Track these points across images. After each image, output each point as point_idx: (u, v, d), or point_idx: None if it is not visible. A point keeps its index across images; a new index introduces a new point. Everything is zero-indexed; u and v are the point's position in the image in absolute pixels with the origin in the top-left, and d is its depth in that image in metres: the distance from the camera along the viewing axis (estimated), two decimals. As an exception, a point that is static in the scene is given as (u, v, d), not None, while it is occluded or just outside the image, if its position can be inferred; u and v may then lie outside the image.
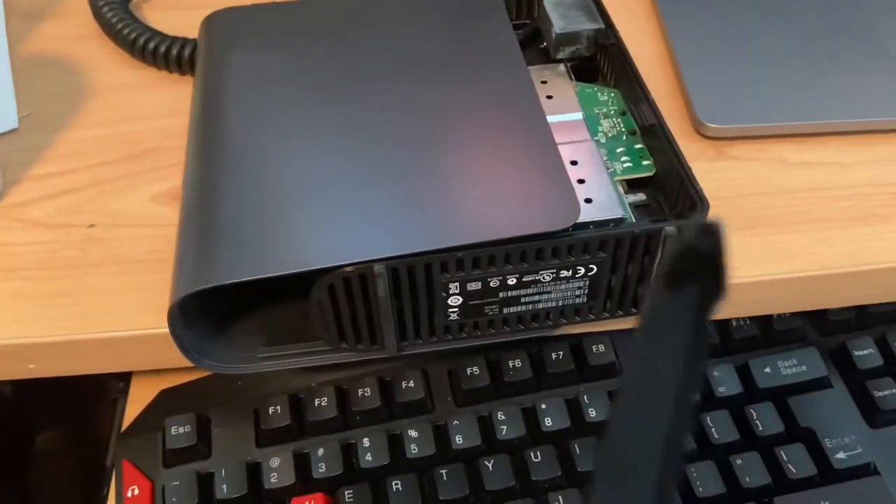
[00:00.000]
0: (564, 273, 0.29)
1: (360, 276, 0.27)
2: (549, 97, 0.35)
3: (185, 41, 0.42)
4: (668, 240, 0.28)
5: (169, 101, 0.41)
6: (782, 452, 0.34)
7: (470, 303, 0.29)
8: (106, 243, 0.35)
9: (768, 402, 0.36)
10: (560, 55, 0.37)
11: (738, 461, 0.34)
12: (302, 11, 0.37)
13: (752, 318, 0.38)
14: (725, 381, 0.36)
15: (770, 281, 0.33)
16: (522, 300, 0.29)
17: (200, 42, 0.38)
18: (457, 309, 0.29)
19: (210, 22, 0.38)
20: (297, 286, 0.28)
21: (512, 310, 0.30)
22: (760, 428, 0.35)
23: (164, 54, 0.42)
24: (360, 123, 0.31)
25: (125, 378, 0.43)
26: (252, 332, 0.31)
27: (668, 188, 0.32)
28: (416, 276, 0.27)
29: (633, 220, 0.31)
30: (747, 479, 0.34)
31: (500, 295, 0.29)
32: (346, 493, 0.34)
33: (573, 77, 0.37)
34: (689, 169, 0.30)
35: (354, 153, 0.30)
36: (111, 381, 0.45)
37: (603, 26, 0.37)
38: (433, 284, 0.28)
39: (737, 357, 0.37)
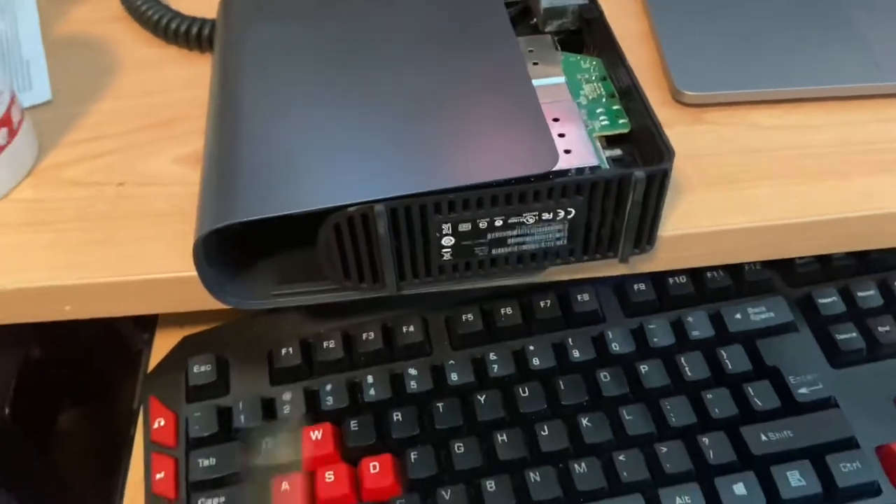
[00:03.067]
0: (546, 216, 0.32)
1: (362, 215, 0.30)
2: (536, 63, 0.38)
3: (203, 21, 0.45)
4: (638, 184, 0.31)
5: (188, 76, 0.45)
6: (749, 388, 0.37)
7: (461, 243, 0.32)
8: (134, 199, 0.39)
9: (738, 344, 0.39)
10: (548, 28, 0.40)
11: (709, 396, 0.37)
12: None
13: (725, 270, 0.41)
14: (699, 326, 0.39)
15: (737, 230, 0.37)
16: (509, 241, 0.33)
17: (219, 18, 0.41)
18: (450, 249, 0.32)
19: (228, 1, 0.42)
20: (306, 231, 0.32)
21: (500, 251, 0.33)
22: (730, 366, 0.38)
23: (185, 33, 0.45)
24: (363, 84, 0.34)
25: (150, 330, 0.46)
26: (266, 272, 0.34)
27: (641, 144, 0.35)
28: (413, 216, 0.31)
29: (609, 167, 0.34)
30: (716, 410, 0.37)
31: (489, 236, 0.32)
32: (352, 422, 0.37)
33: (559, 48, 0.40)
34: (659, 123, 0.33)
35: (358, 108, 0.33)
36: (136, 333, 0.49)
37: (587, 2, 0.40)
38: (427, 225, 0.31)
39: (711, 306, 0.41)
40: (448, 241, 0.32)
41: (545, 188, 0.31)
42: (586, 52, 0.40)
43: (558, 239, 0.33)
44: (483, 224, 0.32)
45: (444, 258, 0.33)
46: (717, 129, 0.41)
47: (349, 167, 0.31)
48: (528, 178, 0.31)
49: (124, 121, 0.43)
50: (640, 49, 0.45)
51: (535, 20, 0.41)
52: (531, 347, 0.39)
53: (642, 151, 0.35)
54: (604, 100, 0.37)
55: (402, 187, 0.30)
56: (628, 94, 0.36)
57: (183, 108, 0.43)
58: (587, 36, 0.40)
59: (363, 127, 0.32)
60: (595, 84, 0.38)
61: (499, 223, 0.32)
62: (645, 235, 0.34)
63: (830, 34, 0.43)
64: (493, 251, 0.33)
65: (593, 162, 0.33)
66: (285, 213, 0.30)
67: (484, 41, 0.37)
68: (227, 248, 0.33)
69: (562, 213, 0.32)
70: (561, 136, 0.34)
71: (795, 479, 0.35)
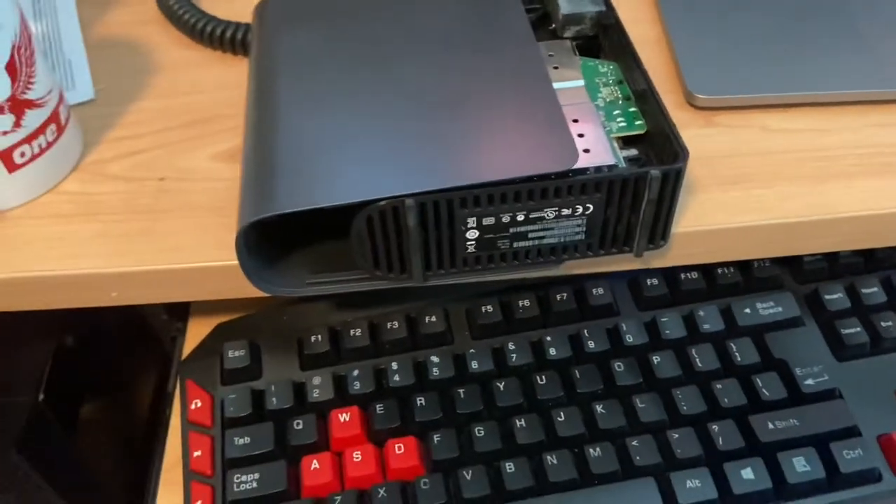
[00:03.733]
0: (565, 211, 0.34)
1: (393, 209, 0.32)
2: (556, 67, 0.40)
3: (238, 25, 0.47)
4: (653, 182, 0.33)
5: (224, 77, 0.47)
6: (757, 379, 0.39)
7: (485, 236, 0.34)
8: (174, 193, 0.41)
9: (747, 337, 0.41)
10: (566, 34, 0.42)
11: (719, 386, 0.39)
12: None
13: (735, 266, 0.43)
14: (710, 320, 0.41)
15: (747, 228, 0.38)
16: (529, 235, 0.35)
17: (254, 23, 0.43)
18: (474, 242, 0.34)
19: (263, 6, 0.44)
20: (339, 223, 0.34)
21: (521, 244, 0.35)
22: (739, 358, 0.40)
23: (220, 36, 0.48)
24: (393, 85, 0.36)
25: (183, 319, 0.49)
26: (301, 262, 0.36)
27: (656, 144, 0.37)
28: (440, 210, 0.33)
29: (625, 167, 0.36)
30: (726, 400, 0.39)
31: (511, 230, 0.34)
32: (378, 406, 0.39)
33: (577, 52, 0.42)
34: (673, 124, 0.35)
35: (390, 107, 0.35)
36: (170, 322, 0.51)
37: (604, 8, 0.42)
38: (454, 218, 0.33)
39: (721, 301, 0.42)
40: (472, 234, 0.34)
41: (565, 185, 0.33)
42: (603, 57, 0.42)
43: (577, 234, 0.35)
44: (506, 218, 0.34)
45: (469, 250, 0.35)
46: (728, 132, 0.43)
47: (381, 163, 0.33)
48: (549, 176, 0.33)
49: (162, 119, 0.45)
50: (655, 53, 0.47)
51: (553, 26, 0.43)
52: (548, 338, 0.41)
53: (657, 151, 0.37)
54: (620, 102, 0.39)
55: (431, 183, 0.32)
56: (644, 97, 0.38)
57: (218, 108, 0.45)
58: (604, 41, 0.42)
59: (394, 125, 0.35)
60: (612, 87, 0.40)
61: (520, 218, 0.34)
62: (659, 231, 0.36)
63: (840, 40, 0.45)
64: (515, 244, 0.35)
65: (611, 161, 0.35)
66: (322, 205, 0.32)
67: (507, 46, 0.39)
68: (265, 239, 0.35)
69: (580, 209, 0.34)
70: (580, 135, 0.36)
71: (801, 464, 0.36)
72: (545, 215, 0.34)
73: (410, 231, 0.33)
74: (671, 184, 0.34)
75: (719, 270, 0.43)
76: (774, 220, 0.38)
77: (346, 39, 0.40)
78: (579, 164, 0.33)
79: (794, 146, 0.42)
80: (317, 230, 0.36)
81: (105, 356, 0.62)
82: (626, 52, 0.40)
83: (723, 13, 0.47)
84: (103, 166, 0.42)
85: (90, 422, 0.61)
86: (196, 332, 0.47)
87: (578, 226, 0.35)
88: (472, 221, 0.34)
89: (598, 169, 0.35)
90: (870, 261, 0.43)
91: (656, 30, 0.48)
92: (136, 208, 0.40)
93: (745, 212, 0.39)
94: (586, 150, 0.35)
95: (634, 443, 0.37)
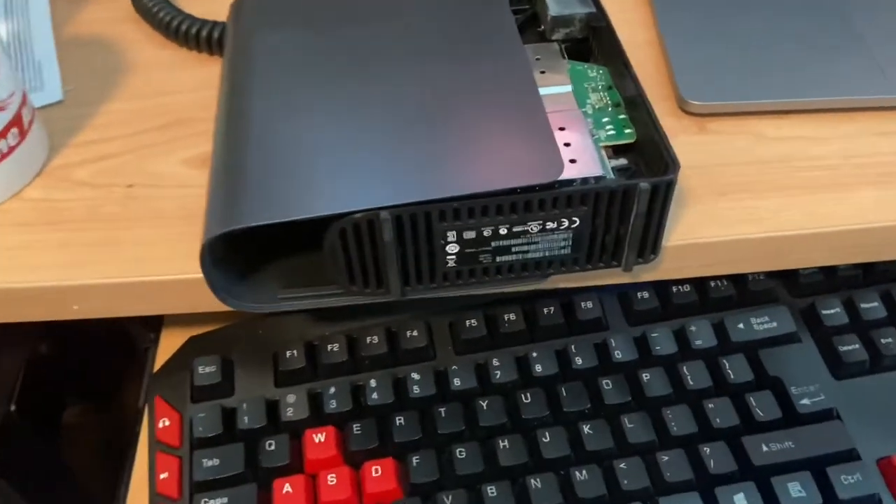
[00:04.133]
0: (550, 224, 0.32)
1: (368, 221, 0.31)
2: (543, 72, 0.38)
3: (214, 24, 0.46)
4: (642, 195, 0.32)
5: (199, 78, 0.45)
6: (751, 398, 0.38)
7: (466, 251, 0.32)
8: (143, 201, 0.39)
9: (740, 354, 0.39)
10: (555, 36, 0.41)
11: (710, 405, 0.37)
12: None
13: (729, 279, 0.41)
14: (702, 335, 0.40)
15: (741, 240, 0.37)
16: (513, 249, 0.33)
17: (229, 22, 0.42)
18: (454, 256, 0.33)
19: (238, 4, 0.42)
20: (312, 235, 0.32)
21: (504, 258, 0.33)
22: (732, 376, 0.38)
23: (195, 35, 0.46)
24: (370, 91, 0.35)
25: (156, 329, 0.47)
26: (272, 276, 0.34)
27: (646, 154, 0.35)
28: (418, 223, 0.31)
29: (614, 178, 0.34)
30: (718, 420, 0.37)
31: (493, 244, 0.33)
32: (355, 426, 0.37)
33: (566, 56, 0.40)
34: (664, 134, 0.33)
35: (366, 115, 0.33)
36: (143, 332, 0.49)
37: (594, 10, 0.40)
38: (432, 232, 0.31)
39: (714, 315, 0.41)
40: (453, 248, 0.32)
41: (550, 198, 0.31)
42: (593, 61, 0.41)
43: (562, 248, 0.33)
44: (487, 232, 0.32)
45: (449, 265, 0.33)
46: (722, 140, 0.41)
47: (356, 174, 0.31)
48: (533, 188, 0.31)
49: (134, 122, 0.43)
50: (647, 58, 0.45)
51: (542, 28, 0.42)
52: (534, 354, 0.39)
53: (647, 161, 0.35)
54: (610, 109, 0.37)
55: (407, 195, 0.30)
56: (634, 104, 0.36)
57: (193, 110, 0.43)
58: (594, 44, 0.41)
59: (370, 134, 0.33)
60: (601, 93, 0.38)
61: (503, 231, 0.32)
62: (649, 245, 0.34)
63: (837, 46, 0.43)
64: (498, 259, 0.33)
65: (598, 172, 0.33)
66: (292, 218, 0.30)
67: (491, 49, 0.37)
68: (234, 252, 0.34)
69: (566, 223, 0.32)
70: (566, 144, 0.34)
71: (796, 490, 0.35)
72: (529, 229, 0.32)
73: (386, 245, 0.31)
74: (661, 196, 0.32)
75: (712, 283, 0.41)
76: (769, 232, 0.37)
77: (323, 43, 0.38)
78: (564, 175, 0.32)
79: (789, 155, 0.40)
80: (289, 242, 0.35)
81: (85, 364, 0.60)
82: (616, 57, 0.38)
83: (718, 16, 0.45)
84: (69, 171, 0.40)
85: (70, 430, 0.60)
86: (169, 343, 0.45)
87: (564, 240, 0.33)
88: (451, 235, 0.32)
89: (585, 180, 0.33)
90: (869, 273, 0.42)
91: (649, 33, 0.47)
92: (102, 216, 0.38)
93: (739, 223, 0.37)
94: (573, 161, 0.34)
95: (622, 465, 0.36)
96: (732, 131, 0.41)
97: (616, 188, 0.32)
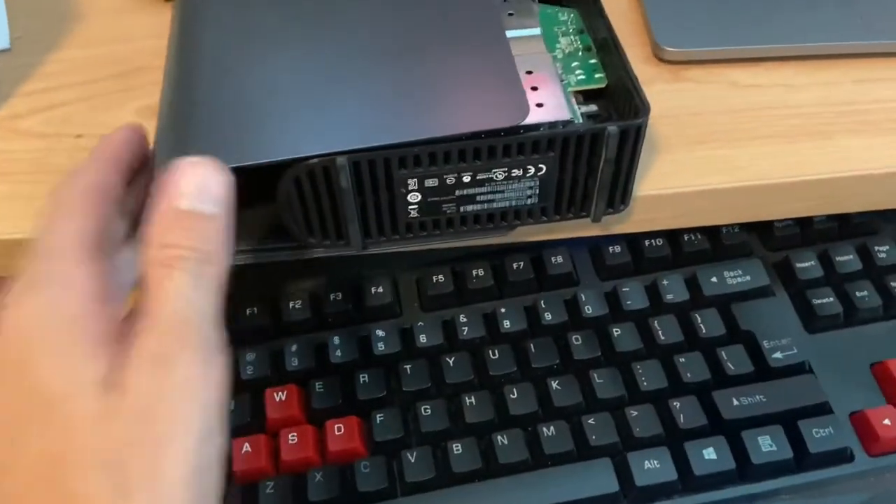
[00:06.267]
0: (516, 172, 0.31)
1: (323, 168, 0.29)
2: (511, 14, 0.37)
3: (170, -33, 0.43)
4: (611, 140, 0.30)
5: (154, 24, 0.43)
6: (722, 352, 0.37)
7: (428, 199, 0.31)
8: (92, 152, 0.37)
9: (712, 308, 0.38)
10: None
11: (681, 360, 0.36)
12: None
13: (702, 233, 0.40)
14: (673, 289, 0.39)
15: (713, 190, 0.36)
16: (478, 198, 0.32)
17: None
18: (416, 206, 0.31)
19: None
20: (266, 184, 0.30)
21: (469, 208, 0.32)
22: (704, 330, 0.37)
23: (150, -20, 0.44)
24: (327, 32, 0.33)
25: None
26: None
27: (617, 99, 0.34)
28: (377, 170, 0.30)
29: (582, 123, 0.33)
30: (688, 374, 0.36)
31: (457, 193, 0.31)
32: (317, 384, 0.36)
33: (536, -1, 0.38)
34: (635, 77, 0.32)
35: (321, 60, 0.32)
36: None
37: (567, -50, 0.38)
38: (392, 180, 0.30)
39: (686, 269, 0.40)
40: (414, 196, 0.31)
41: (515, 143, 0.30)
42: (564, 3, 0.39)
43: (529, 197, 0.32)
44: (450, 180, 0.31)
45: (411, 215, 0.32)
46: (697, 88, 0.40)
47: (311, 118, 0.30)
48: (498, 133, 0.30)
49: (85, 70, 0.41)
50: (622, 3, 0.43)
51: None
52: (502, 310, 0.38)
53: (618, 107, 0.34)
54: (580, 53, 0.36)
55: (365, 139, 0.29)
56: (606, 48, 0.35)
57: (147, 58, 0.41)
58: None
59: (326, 77, 0.31)
60: (572, 37, 0.36)
61: (467, 179, 0.31)
62: (619, 194, 0.33)
63: (817, -10, 0.42)
64: (462, 209, 0.32)
65: (566, 116, 0.32)
66: (242, 164, 0.28)
67: None
68: None
69: (532, 170, 0.31)
70: (534, 89, 0.33)
71: (766, 444, 0.34)
72: (494, 176, 0.31)
73: (344, 193, 0.30)
74: (631, 141, 0.31)
75: (685, 237, 0.40)
76: (744, 182, 0.36)
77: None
78: (531, 120, 0.30)
79: (765, 103, 0.39)
80: (241, 191, 0.33)
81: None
82: None
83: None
84: (15, 122, 0.39)
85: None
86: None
87: (531, 188, 0.32)
88: (413, 183, 0.30)
89: (553, 125, 0.31)
90: (845, 226, 0.41)
91: (624, -22, 0.45)
92: (48, 168, 0.36)
93: (713, 173, 0.36)
94: (539, 105, 0.32)
95: (591, 421, 0.35)
96: (708, 79, 0.40)
97: (584, 132, 0.30)
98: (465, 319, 0.38)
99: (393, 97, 0.30)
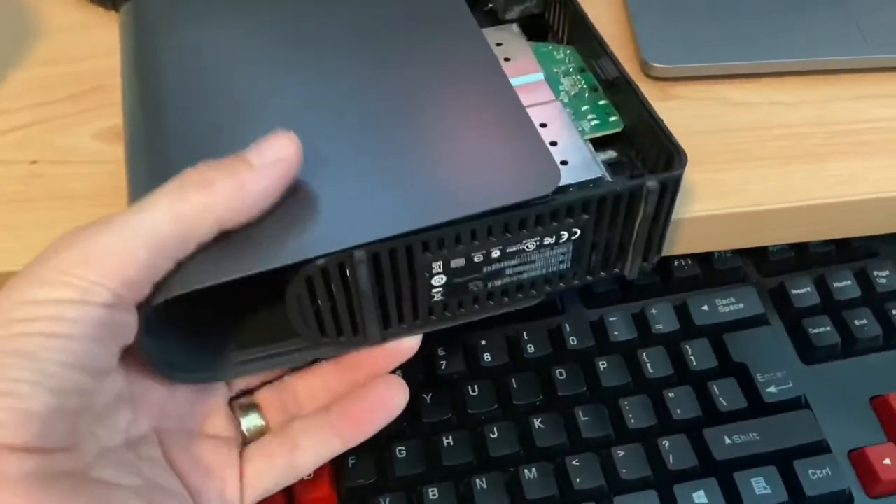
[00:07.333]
0: (548, 240, 0.28)
1: (339, 265, 0.26)
2: (507, 59, 0.34)
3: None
4: (650, 195, 0.28)
5: (113, 41, 0.40)
6: (714, 386, 0.35)
7: (454, 281, 0.28)
8: (48, 178, 0.35)
9: (703, 338, 0.36)
10: (509, 15, 0.36)
11: (671, 395, 0.35)
12: None
13: (694, 258, 0.38)
14: (663, 319, 0.37)
15: (706, 217, 0.34)
16: (506, 272, 0.29)
17: (123, 30, 0.35)
18: (440, 289, 0.28)
19: (133, 7, 0.35)
20: (267, 284, 0.26)
21: (496, 283, 0.29)
22: (694, 363, 0.35)
23: (114, -7, 0.41)
24: (318, 102, 0.29)
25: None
26: (222, 334, 0.29)
27: (638, 142, 0.31)
28: (398, 258, 0.26)
29: (609, 178, 0.30)
30: (678, 411, 0.34)
31: (485, 269, 0.28)
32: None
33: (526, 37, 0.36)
34: (661, 120, 0.29)
35: (317, 136, 0.28)
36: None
37: (552, -19, 0.35)
38: (414, 266, 0.27)
39: (676, 297, 0.38)
40: (439, 280, 0.27)
41: (548, 211, 0.27)
42: (552, 38, 0.36)
43: (561, 262, 0.29)
44: (478, 258, 0.27)
45: (434, 299, 0.28)
46: (687, 105, 0.38)
47: (317, 208, 0.26)
48: (527, 202, 0.26)
49: (42, 91, 0.39)
50: (606, 17, 0.41)
51: (490, 5, 0.36)
52: (483, 342, 0.36)
53: (640, 151, 0.31)
54: (587, 94, 0.33)
55: (383, 228, 0.25)
56: (616, 88, 0.32)
57: (106, 77, 0.39)
58: (553, 19, 0.36)
59: (327, 159, 0.27)
60: (574, 77, 0.33)
61: (496, 254, 0.27)
62: (654, 246, 0.30)
63: (812, 3, 0.40)
64: (489, 285, 0.29)
65: (596, 173, 0.29)
66: (248, 273, 0.25)
67: (449, 41, 0.32)
68: (173, 314, 0.27)
69: (566, 235, 0.28)
70: (553, 143, 0.30)
71: (760, 486, 0.32)
72: (525, 247, 0.28)
73: (362, 289, 0.26)
74: (669, 193, 0.28)
75: (675, 262, 0.38)
76: (736, 208, 0.34)
77: (254, 40, 0.32)
78: (559, 182, 0.27)
79: (758, 122, 0.37)
80: (238, 291, 0.27)
81: None
82: (586, 35, 0.33)
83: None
84: (-34, 146, 0.37)
85: None
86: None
87: (563, 254, 0.29)
88: (437, 266, 0.27)
89: (583, 185, 0.29)
90: (842, 250, 0.39)
91: (609, -11, 0.43)
92: (1, 197, 0.34)
93: (704, 199, 0.34)
94: (563, 163, 0.29)
95: (575, 462, 0.33)
96: (698, 97, 0.38)
97: (622, 191, 0.27)
98: (443, 353, 0.36)
99: (406, 176, 0.27)
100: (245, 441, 0.30)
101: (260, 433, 0.30)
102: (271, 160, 0.25)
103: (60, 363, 0.22)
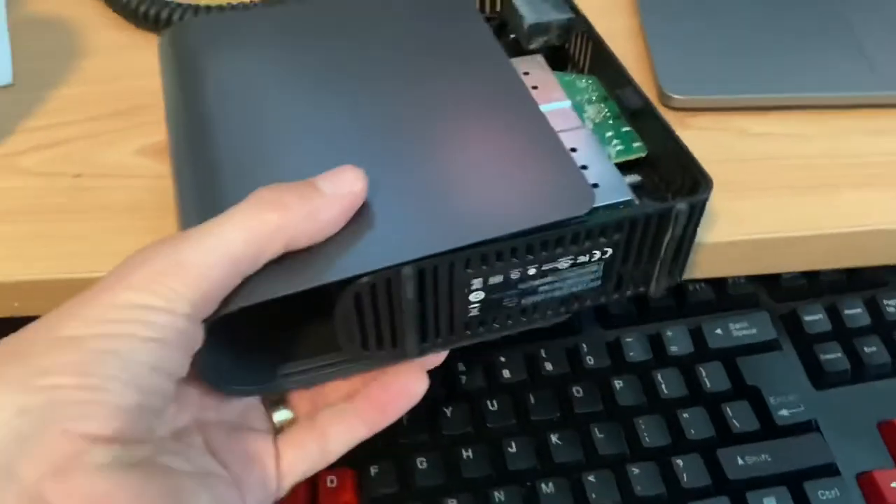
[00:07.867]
0: (582, 259, 0.29)
1: (386, 281, 0.27)
2: (535, 87, 0.35)
3: (175, 6, 0.43)
4: (679, 217, 0.29)
5: (156, 63, 0.43)
6: (727, 408, 0.36)
7: (491, 296, 0.29)
8: (90, 192, 0.37)
9: (717, 361, 0.37)
10: (532, 45, 0.37)
11: (685, 415, 0.36)
12: (273, 18, 0.36)
13: (708, 283, 0.39)
14: (678, 341, 0.38)
15: (721, 243, 0.35)
16: (540, 289, 0.30)
17: (164, 56, 0.37)
18: (477, 304, 0.29)
19: (174, 34, 0.37)
20: (301, 297, 0.27)
21: (530, 300, 0.30)
22: (708, 385, 0.37)
23: (155, 17, 0.43)
24: (362, 132, 0.31)
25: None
26: (267, 350, 0.31)
27: (662, 168, 0.33)
28: (441, 275, 0.27)
29: (637, 201, 0.31)
30: (692, 431, 0.35)
31: (520, 286, 0.29)
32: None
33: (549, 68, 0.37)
34: (685, 146, 0.31)
35: (363, 160, 0.29)
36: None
37: (572, 15, 0.37)
38: (454, 281, 0.28)
39: (692, 320, 0.39)
40: (477, 296, 0.29)
41: (583, 230, 0.28)
42: (572, 68, 0.38)
43: (592, 280, 0.30)
44: (515, 275, 0.29)
45: (471, 314, 0.30)
46: (704, 135, 0.39)
47: (367, 228, 0.28)
48: (562, 222, 0.28)
49: (87, 107, 0.41)
50: (626, 47, 0.43)
51: (513, 36, 0.38)
52: (502, 359, 0.37)
53: (665, 177, 0.33)
54: (611, 122, 0.34)
55: (430, 245, 0.27)
56: (638, 115, 0.34)
57: (149, 97, 0.41)
58: (574, 50, 0.38)
59: (374, 182, 0.29)
60: (598, 105, 0.35)
61: (532, 272, 0.29)
62: (679, 266, 0.31)
63: (827, 40, 0.42)
64: (523, 301, 0.30)
65: (627, 196, 0.31)
66: (305, 288, 0.26)
67: (480, 70, 0.33)
68: (223, 329, 0.28)
69: (598, 254, 0.29)
70: (584, 167, 0.32)
71: (771, 506, 0.33)
72: (559, 266, 0.29)
73: (406, 304, 0.28)
74: (696, 216, 0.30)
75: (690, 287, 0.39)
76: (750, 235, 0.35)
77: (295, 71, 0.34)
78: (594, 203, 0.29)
79: (772, 153, 0.38)
80: (280, 306, 0.28)
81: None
82: (607, 65, 0.35)
83: (703, 6, 0.43)
84: (15, 159, 0.38)
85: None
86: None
87: (594, 272, 0.30)
88: (477, 283, 0.28)
89: (614, 206, 0.30)
90: (853, 278, 0.40)
91: (628, 20, 0.45)
92: (46, 208, 0.36)
93: (720, 225, 0.35)
94: (595, 185, 0.31)
95: (591, 478, 0.34)
96: (714, 127, 0.40)
97: (652, 213, 0.29)
98: (463, 369, 0.37)
99: (449, 196, 0.29)
100: (277, 431, 0.31)
101: (290, 423, 0.31)
102: (342, 192, 0.27)
103: (148, 365, 0.24)
